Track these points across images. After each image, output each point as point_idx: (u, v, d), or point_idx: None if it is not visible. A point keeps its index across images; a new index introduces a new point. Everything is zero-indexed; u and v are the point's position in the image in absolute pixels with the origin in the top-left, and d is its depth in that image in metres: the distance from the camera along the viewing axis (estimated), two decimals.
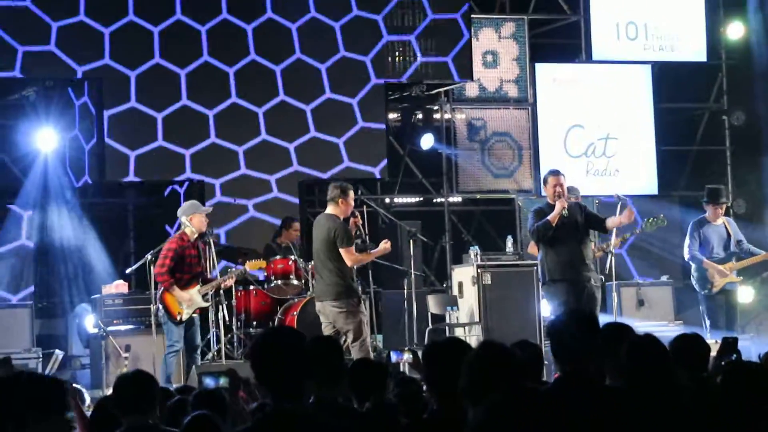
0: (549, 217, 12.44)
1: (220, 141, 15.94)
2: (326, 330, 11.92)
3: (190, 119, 15.79)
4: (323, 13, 16.43)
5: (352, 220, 12.16)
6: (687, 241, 14.14)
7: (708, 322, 13.87)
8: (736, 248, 13.99)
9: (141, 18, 15.59)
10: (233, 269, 13.46)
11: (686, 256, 14.24)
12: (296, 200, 16.41)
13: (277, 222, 15.85)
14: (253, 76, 16.08)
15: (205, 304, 12.92)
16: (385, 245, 12.14)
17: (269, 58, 16.19)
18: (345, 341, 11.77)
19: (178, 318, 12.68)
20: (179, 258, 12.74)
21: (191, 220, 12.84)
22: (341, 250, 11.84)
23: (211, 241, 13.29)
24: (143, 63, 15.62)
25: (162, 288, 12.71)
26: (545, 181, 12.81)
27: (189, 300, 12.73)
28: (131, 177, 15.62)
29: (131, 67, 15.57)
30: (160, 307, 12.74)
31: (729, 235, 14.04)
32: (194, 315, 12.87)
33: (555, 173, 12.83)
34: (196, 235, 12.87)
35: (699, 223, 14.13)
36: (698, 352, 6.81)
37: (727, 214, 14.89)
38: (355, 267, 12.23)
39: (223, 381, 5.04)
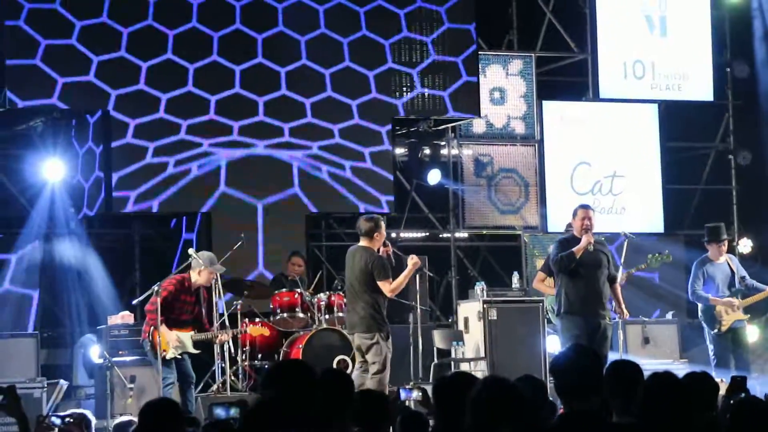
0: (574, 249, 12.46)
1: (241, 137, 16.20)
2: (362, 365, 12.05)
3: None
4: (356, 62, 16.72)
5: (383, 249, 12.24)
6: (691, 280, 14.11)
7: (714, 361, 13.84)
8: (741, 285, 13.96)
9: (178, 56, 15.91)
10: (235, 329, 13.41)
11: (690, 297, 14.20)
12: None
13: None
14: (281, 105, 16.37)
15: (194, 351, 12.76)
16: (412, 261, 12.20)
17: (300, 92, 16.44)
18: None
19: (163, 356, 12.54)
20: (173, 299, 12.61)
21: (200, 273, 12.76)
22: (380, 283, 11.98)
23: (218, 275, 13.25)
24: (175, 89, 15.90)
25: (151, 325, 12.58)
26: (574, 214, 12.83)
27: (175, 341, 12.59)
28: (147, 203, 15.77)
29: (163, 90, 15.85)
30: (147, 342, 12.61)
31: (732, 272, 14.01)
32: (180, 357, 12.71)
33: (585, 207, 12.89)
34: (199, 284, 12.78)
35: (702, 262, 14.09)
36: (707, 390, 6.80)
37: (731, 251, 14.87)
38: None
39: (234, 411, 5.03)
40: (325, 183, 16.56)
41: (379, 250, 12.23)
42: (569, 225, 13.40)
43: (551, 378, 12.77)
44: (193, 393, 12.81)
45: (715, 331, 13.80)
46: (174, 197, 15.94)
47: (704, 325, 14.01)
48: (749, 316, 14.15)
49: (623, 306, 12.90)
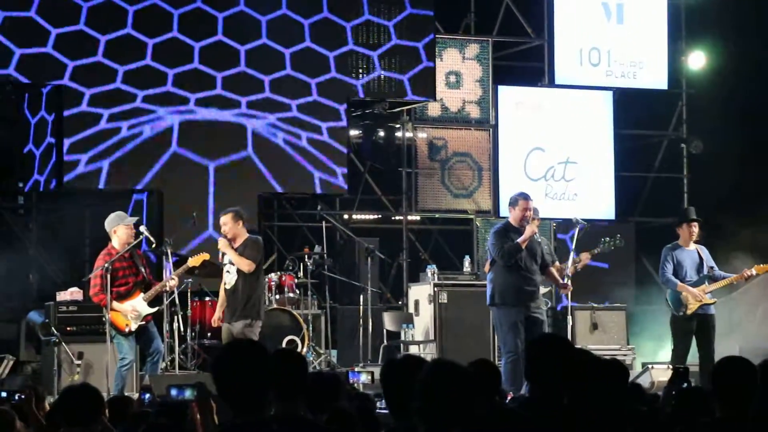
0: (519, 241, 12.41)
1: (197, 108, 16.22)
2: None
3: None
4: (316, 43, 16.78)
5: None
6: (661, 265, 14.00)
7: (672, 352, 13.78)
8: (709, 273, 13.85)
9: (137, 31, 15.95)
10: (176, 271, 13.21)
11: (660, 280, 14.12)
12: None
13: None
14: (240, 81, 16.42)
15: (151, 310, 12.63)
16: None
17: (259, 70, 16.45)
18: None
19: (127, 330, 12.46)
20: (112, 272, 12.46)
21: (115, 232, 12.63)
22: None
23: (168, 251, 13.18)
24: (133, 62, 15.92)
25: (104, 305, 12.47)
26: (515, 203, 12.74)
27: (132, 310, 12.50)
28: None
29: (121, 63, 15.89)
30: (109, 323, 12.49)
31: (701, 259, 13.91)
32: (144, 323, 12.62)
33: (526, 197, 12.78)
34: (127, 246, 12.61)
35: (672, 248, 13.90)
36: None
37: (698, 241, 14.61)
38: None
39: (189, 393, 4.96)
40: (280, 148, 16.55)
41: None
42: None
43: (500, 361, 12.81)
44: (155, 369, 12.65)
45: (681, 313, 13.67)
46: (125, 158, 15.90)
47: (671, 308, 13.88)
48: (716, 301, 14.02)
49: (560, 281, 12.91)
